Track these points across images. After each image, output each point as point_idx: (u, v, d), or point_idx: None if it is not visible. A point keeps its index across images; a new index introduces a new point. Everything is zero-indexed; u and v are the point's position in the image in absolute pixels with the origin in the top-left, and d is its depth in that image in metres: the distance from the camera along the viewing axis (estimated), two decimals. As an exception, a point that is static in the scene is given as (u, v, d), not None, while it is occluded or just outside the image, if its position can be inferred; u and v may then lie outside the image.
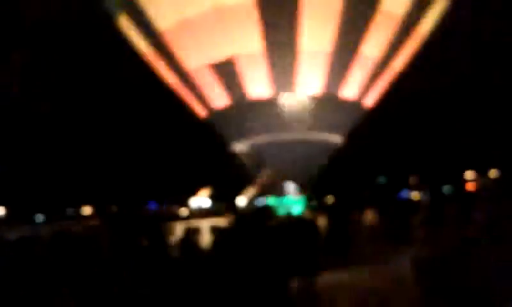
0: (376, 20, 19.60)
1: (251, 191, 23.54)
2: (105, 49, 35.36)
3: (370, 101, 22.49)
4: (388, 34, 20.23)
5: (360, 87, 21.27)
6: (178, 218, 35.40)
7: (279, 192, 22.02)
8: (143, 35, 21.10)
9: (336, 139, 22.26)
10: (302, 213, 21.45)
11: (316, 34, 19.40)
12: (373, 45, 20.21)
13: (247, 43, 19.57)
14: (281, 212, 21.17)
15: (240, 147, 22.05)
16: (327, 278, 11.17)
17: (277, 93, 20.48)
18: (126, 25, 21.62)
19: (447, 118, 45.02)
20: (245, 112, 21.00)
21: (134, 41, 22.09)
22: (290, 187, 21.86)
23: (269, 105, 20.58)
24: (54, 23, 35.20)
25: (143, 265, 7.25)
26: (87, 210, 52.98)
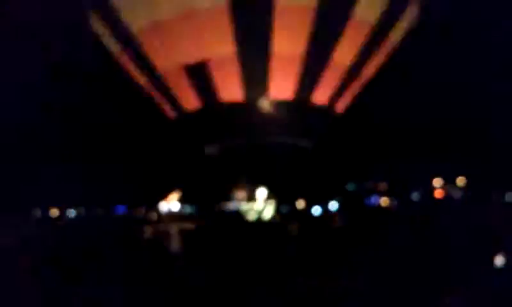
0: (348, 27, 19.75)
1: (221, 195, 23.43)
2: (75, 49, 34.88)
3: (341, 107, 22.62)
4: (359, 41, 20.39)
5: (332, 93, 21.38)
6: (147, 222, 34.98)
7: (250, 196, 21.99)
8: (115, 35, 20.87)
9: (307, 144, 22.33)
10: (272, 217, 21.48)
11: (289, 39, 19.45)
12: (345, 52, 20.34)
13: (219, 47, 19.52)
14: (252, 216, 21.17)
15: (211, 150, 21.94)
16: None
17: (249, 97, 20.45)
18: (98, 24, 21.37)
19: (417, 125, 45.56)
20: (216, 115, 20.93)
21: (106, 41, 21.83)
22: (261, 191, 21.84)
23: (240, 108, 20.54)
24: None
25: (113, 267, 7.14)
26: (55, 212, 52.14)
